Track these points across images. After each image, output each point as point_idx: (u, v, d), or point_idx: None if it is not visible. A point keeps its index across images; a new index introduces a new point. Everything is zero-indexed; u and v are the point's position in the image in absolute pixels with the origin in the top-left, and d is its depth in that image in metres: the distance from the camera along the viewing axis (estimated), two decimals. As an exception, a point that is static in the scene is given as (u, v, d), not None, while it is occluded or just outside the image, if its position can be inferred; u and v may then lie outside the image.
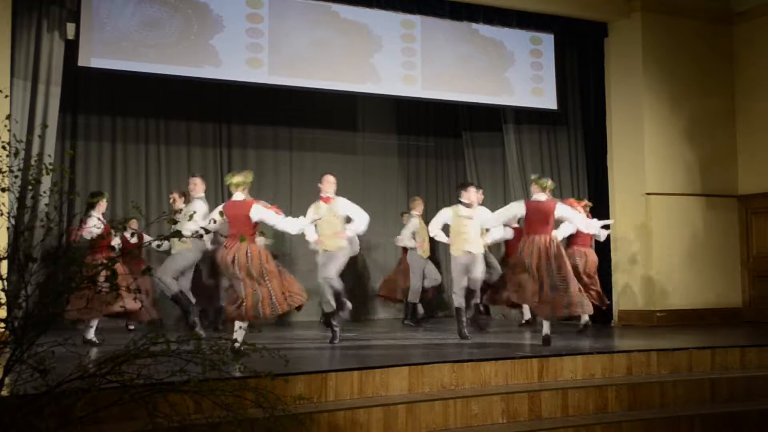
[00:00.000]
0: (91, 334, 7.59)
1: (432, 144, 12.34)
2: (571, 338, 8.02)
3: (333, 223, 7.72)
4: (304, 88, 9.34)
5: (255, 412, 3.95)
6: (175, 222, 3.97)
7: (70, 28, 8.02)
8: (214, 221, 6.73)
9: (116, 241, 8.37)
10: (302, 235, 7.81)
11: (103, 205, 7.98)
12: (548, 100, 10.29)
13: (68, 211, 9.26)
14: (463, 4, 9.59)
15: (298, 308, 7.13)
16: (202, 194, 8.25)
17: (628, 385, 6.24)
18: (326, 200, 7.82)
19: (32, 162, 4.33)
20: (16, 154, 3.94)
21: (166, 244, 7.97)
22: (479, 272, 7.99)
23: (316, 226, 7.75)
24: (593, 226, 8.75)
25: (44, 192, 4.81)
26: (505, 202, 10.73)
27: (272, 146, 11.31)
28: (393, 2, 9.33)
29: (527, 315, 9.94)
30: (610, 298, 9.71)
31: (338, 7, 9.15)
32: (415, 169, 12.22)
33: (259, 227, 7.29)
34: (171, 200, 8.82)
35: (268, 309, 6.74)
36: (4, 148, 3.91)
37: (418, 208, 10.18)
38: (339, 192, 10.01)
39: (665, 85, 10.22)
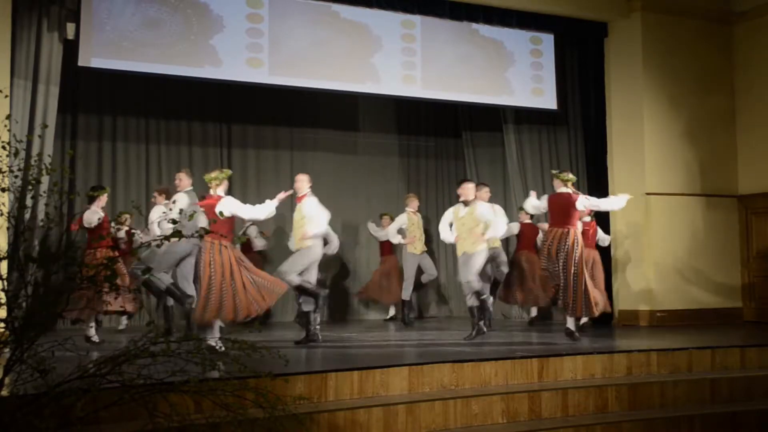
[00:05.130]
0: (92, 333, 7.59)
1: (432, 144, 12.35)
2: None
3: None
4: (305, 88, 9.35)
5: (255, 412, 3.94)
6: (175, 222, 3.98)
7: (70, 28, 8.02)
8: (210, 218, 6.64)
9: (121, 234, 8.46)
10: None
11: (103, 199, 7.94)
12: (548, 100, 10.29)
13: (68, 211, 9.26)
14: (463, 4, 9.58)
15: (255, 318, 7.09)
16: (189, 188, 7.99)
17: (628, 385, 6.24)
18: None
19: (32, 162, 4.32)
20: (16, 154, 3.94)
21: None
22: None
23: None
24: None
25: (44, 192, 4.81)
26: (505, 202, 10.75)
27: (272, 146, 11.31)
28: (393, 2, 9.33)
29: (534, 312, 10.05)
30: (610, 297, 9.70)
31: (338, 7, 9.15)
32: (415, 169, 12.22)
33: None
34: (152, 200, 8.78)
35: (231, 313, 6.75)
36: (4, 148, 3.91)
37: (412, 205, 10.22)
38: (339, 193, 9.93)
39: (665, 85, 10.21)
